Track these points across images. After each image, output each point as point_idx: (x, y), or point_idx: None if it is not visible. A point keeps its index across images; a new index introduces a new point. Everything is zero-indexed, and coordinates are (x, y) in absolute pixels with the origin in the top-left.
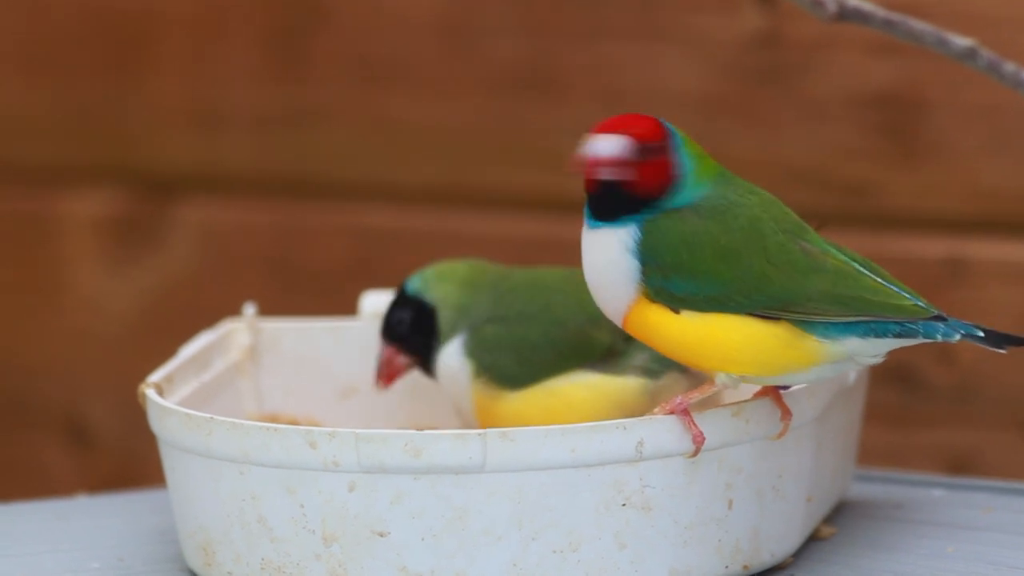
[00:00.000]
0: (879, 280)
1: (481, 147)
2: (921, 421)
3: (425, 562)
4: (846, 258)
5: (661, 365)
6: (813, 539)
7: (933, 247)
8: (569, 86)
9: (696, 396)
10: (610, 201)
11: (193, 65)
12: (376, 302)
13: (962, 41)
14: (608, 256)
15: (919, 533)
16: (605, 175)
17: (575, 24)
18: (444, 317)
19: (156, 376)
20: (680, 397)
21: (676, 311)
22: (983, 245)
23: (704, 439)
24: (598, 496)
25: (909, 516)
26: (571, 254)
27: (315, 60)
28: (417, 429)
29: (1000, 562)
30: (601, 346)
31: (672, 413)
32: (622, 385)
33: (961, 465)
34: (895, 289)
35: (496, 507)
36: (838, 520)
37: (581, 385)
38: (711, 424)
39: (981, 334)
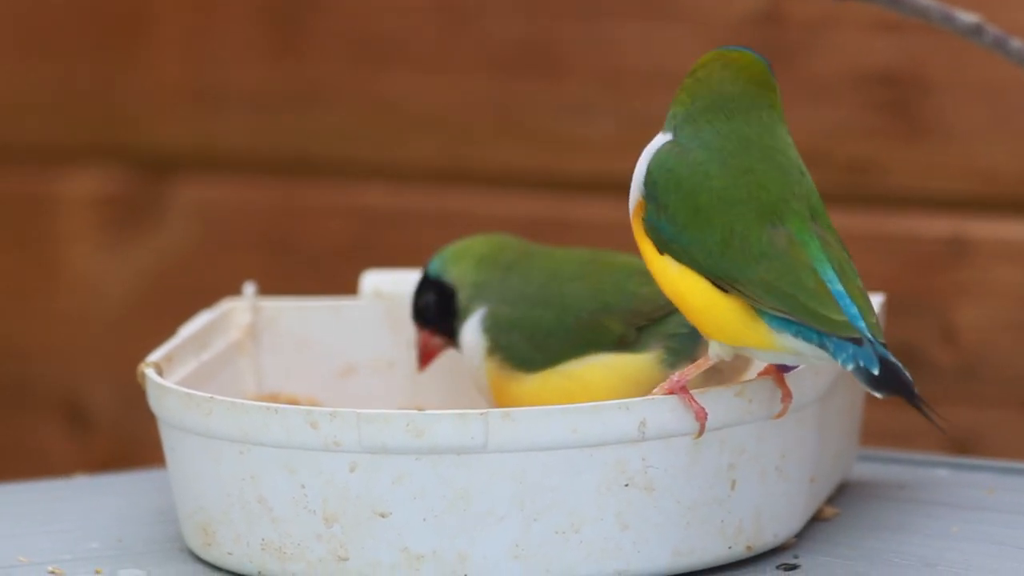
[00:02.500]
0: (828, 287)
1: (480, 126)
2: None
3: (427, 543)
4: (822, 256)
5: (675, 356)
6: (816, 520)
7: (935, 226)
8: (569, 65)
9: (693, 372)
10: None
11: (191, 44)
12: (376, 281)
13: (968, 17)
14: (633, 192)
15: (923, 513)
16: None
17: (574, 2)
18: (462, 296)
19: (155, 356)
20: (677, 375)
21: (660, 252)
22: (986, 224)
23: (706, 414)
24: (600, 476)
25: (913, 496)
26: (571, 233)
27: (313, 39)
28: (418, 409)
29: (1004, 542)
30: (613, 335)
31: (671, 392)
32: (639, 364)
33: (965, 445)
34: (840, 302)
35: (498, 487)
36: (841, 501)
37: (597, 366)
38: (714, 404)
39: (875, 373)
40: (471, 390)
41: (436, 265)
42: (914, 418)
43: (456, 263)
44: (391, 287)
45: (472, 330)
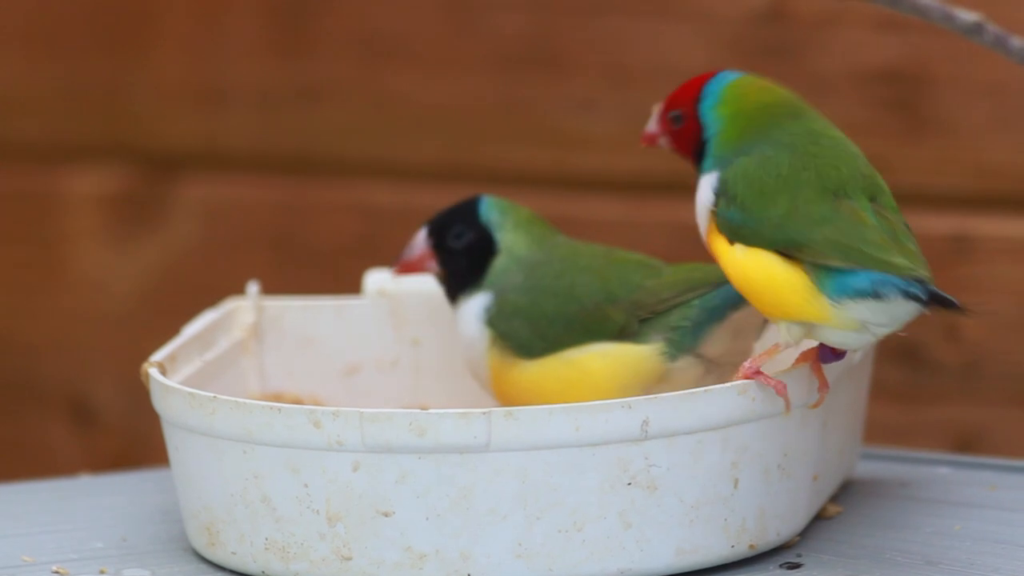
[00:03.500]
0: (889, 240)
1: (485, 124)
2: (927, 399)
3: (430, 541)
4: (878, 222)
5: (676, 349)
6: (819, 518)
7: (938, 224)
8: (574, 62)
9: (764, 358)
10: (688, 156)
11: (196, 42)
12: (380, 280)
13: (968, 16)
14: (700, 195)
15: (925, 511)
16: (654, 143)
17: (580, 0)
18: (498, 264)
19: (159, 355)
20: (749, 361)
21: (731, 243)
22: (988, 221)
23: (786, 387)
24: (603, 475)
25: (915, 494)
26: (575, 230)
27: (318, 37)
28: (422, 408)
29: (1007, 540)
30: (615, 325)
31: (747, 378)
32: (639, 355)
33: (967, 443)
34: (899, 251)
35: (501, 486)
36: (844, 499)
37: (597, 354)
38: (716, 403)
39: (952, 299)
40: (475, 389)
41: (493, 215)
42: (917, 416)
43: (514, 229)
44: (395, 286)
45: (475, 315)
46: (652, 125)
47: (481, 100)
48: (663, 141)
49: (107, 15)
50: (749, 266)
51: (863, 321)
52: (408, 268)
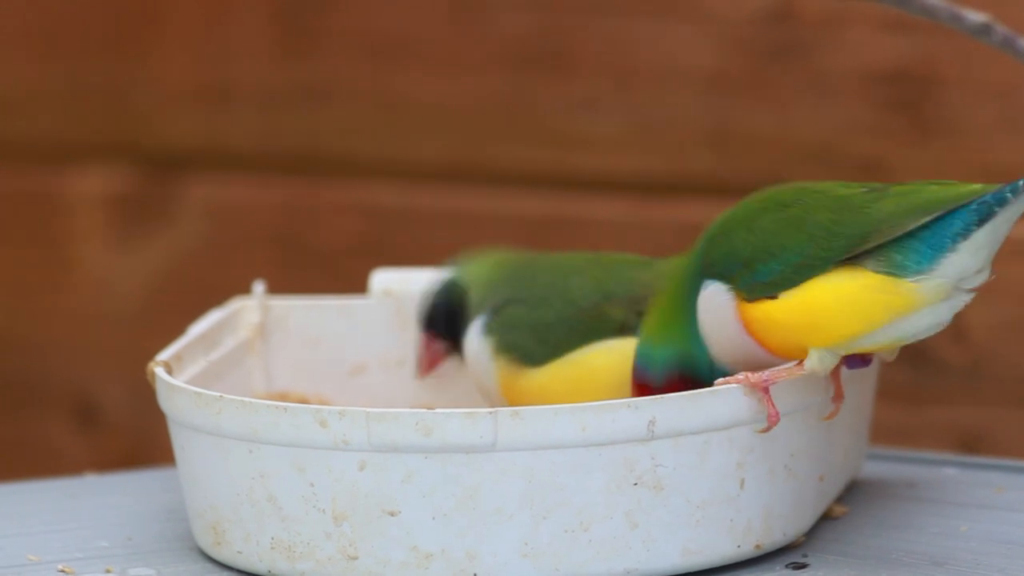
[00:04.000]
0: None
1: (490, 124)
2: (933, 400)
3: (436, 541)
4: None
5: None
6: (825, 518)
7: None
8: (579, 63)
9: (783, 376)
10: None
11: (201, 42)
12: (385, 280)
13: (976, 17)
14: (707, 307)
15: (932, 512)
16: None
17: (585, 0)
18: (474, 297)
19: (165, 354)
20: (767, 373)
21: (774, 297)
22: None
23: (778, 419)
24: (609, 475)
25: (921, 495)
26: (580, 231)
27: (323, 37)
28: (428, 408)
29: (1013, 540)
30: (615, 323)
31: (756, 387)
32: None
33: (974, 444)
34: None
35: (507, 486)
36: (850, 499)
37: (601, 352)
38: (723, 402)
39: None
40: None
41: (453, 269)
42: (922, 417)
43: (471, 266)
44: (400, 286)
45: (475, 334)
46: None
47: (485, 100)
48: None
49: (111, 14)
50: (809, 299)
51: (958, 276)
52: (426, 364)
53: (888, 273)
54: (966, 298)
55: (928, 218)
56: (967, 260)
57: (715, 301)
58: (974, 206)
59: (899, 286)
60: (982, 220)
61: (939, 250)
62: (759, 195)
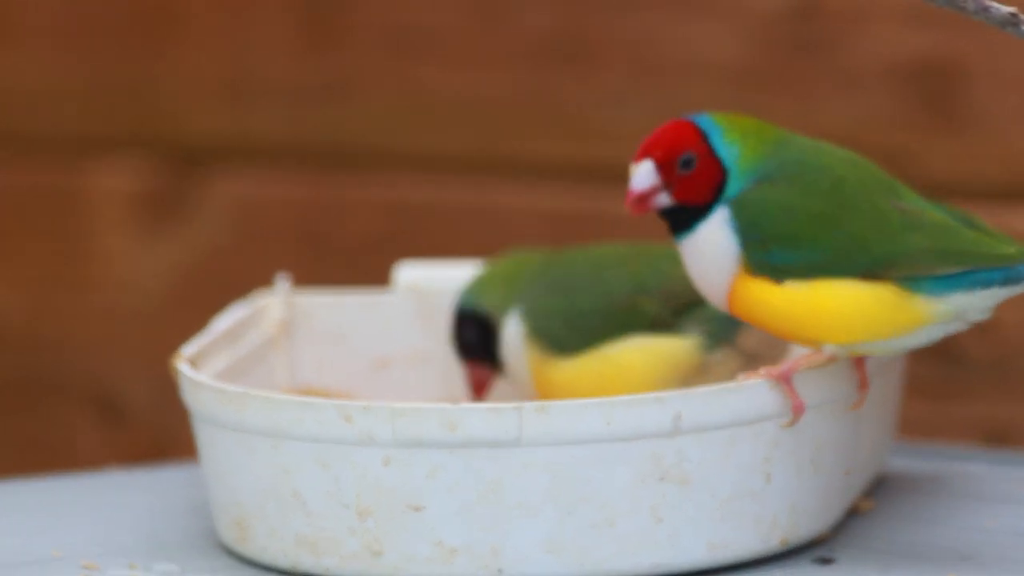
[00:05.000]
0: (978, 231)
1: (514, 118)
2: (960, 394)
3: (460, 536)
4: (943, 213)
5: (715, 340)
6: (851, 513)
7: None
8: (603, 57)
9: (804, 365)
10: (674, 219)
11: (225, 36)
12: (409, 274)
13: (1004, 8)
14: (708, 247)
15: (957, 506)
16: (648, 207)
17: None
18: (497, 316)
19: (189, 350)
20: (788, 364)
21: (779, 282)
22: (1021, 215)
23: (804, 410)
24: (635, 470)
25: (948, 489)
26: (604, 225)
27: (347, 30)
28: (452, 402)
29: None
30: (648, 316)
31: (778, 378)
32: (678, 348)
33: (1000, 438)
34: (994, 239)
35: (532, 481)
36: (876, 494)
37: (634, 349)
38: (748, 397)
39: None
40: (504, 383)
41: (468, 297)
42: (947, 411)
43: (486, 290)
44: (425, 279)
45: (511, 323)
46: (645, 181)
47: (510, 94)
48: (662, 198)
49: (135, 9)
50: (817, 299)
51: (964, 311)
52: (478, 389)
53: (904, 288)
54: (963, 327)
55: (959, 270)
56: (977, 304)
57: (719, 249)
58: (1004, 274)
59: (910, 303)
60: (1006, 282)
61: (956, 287)
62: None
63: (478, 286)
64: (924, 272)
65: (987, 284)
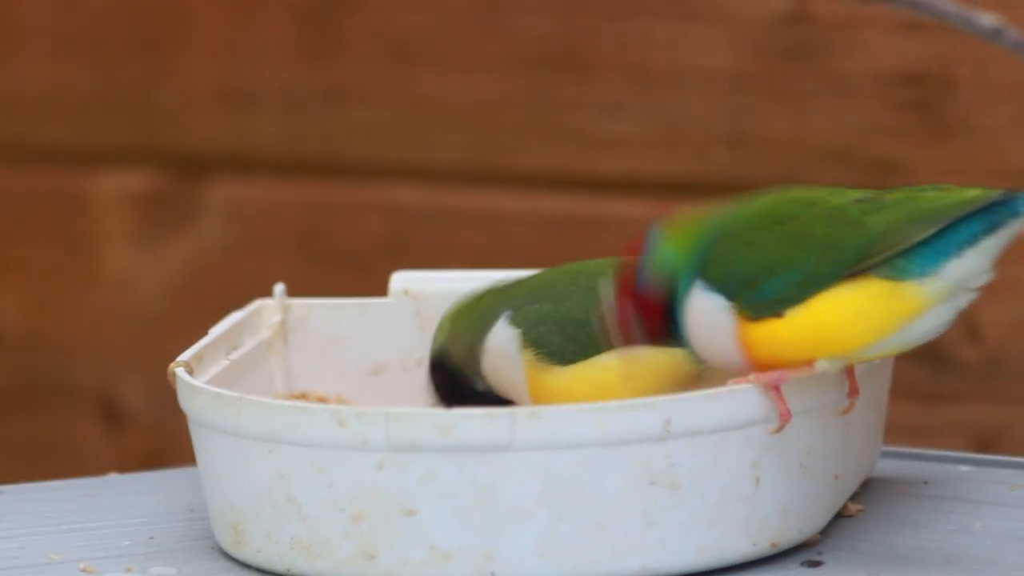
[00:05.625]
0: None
1: (511, 125)
2: (948, 398)
3: (454, 540)
4: (904, 191)
5: None
6: (840, 516)
7: None
8: (599, 64)
9: (794, 375)
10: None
11: (224, 44)
12: (405, 281)
13: (988, 20)
14: (701, 319)
15: (946, 510)
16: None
17: (605, 2)
18: (461, 361)
19: (186, 355)
20: (778, 372)
21: (780, 315)
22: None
23: (790, 417)
24: (626, 474)
25: (936, 493)
26: (601, 232)
27: (345, 39)
28: (446, 408)
29: None
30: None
31: (765, 385)
32: (673, 357)
33: (988, 442)
34: (958, 190)
35: (525, 485)
36: (865, 497)
37: (632, 359)
38: (738, 402)
39: None
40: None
41: (434, 349)
42: (937, 415)
43: (444, 333)
44: (420, 286)
45: (499, 333)
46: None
47: (507, 101)
48: (636, 333)
49: (136, 18)
50: (817, 316)
51: (962, 278)
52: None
53: (893, 278)
54: (970, 296)
55: (934, 229)
56: (972, 264)
57: (713, 316)
58: (984, 215)
59: (904, 291)
60: (991, 229)
61: (944, 255)
62: (752, 207)
63: (440, 333)
64: (901, 245)
65: (973, 239)
